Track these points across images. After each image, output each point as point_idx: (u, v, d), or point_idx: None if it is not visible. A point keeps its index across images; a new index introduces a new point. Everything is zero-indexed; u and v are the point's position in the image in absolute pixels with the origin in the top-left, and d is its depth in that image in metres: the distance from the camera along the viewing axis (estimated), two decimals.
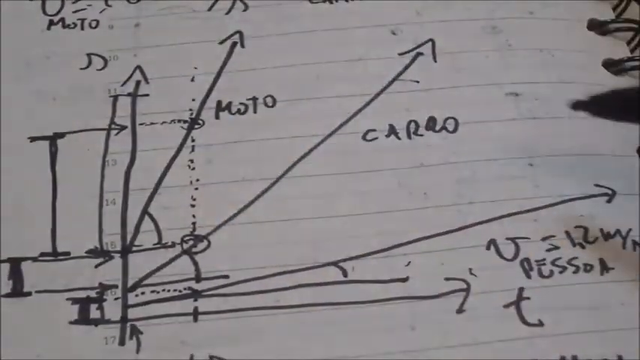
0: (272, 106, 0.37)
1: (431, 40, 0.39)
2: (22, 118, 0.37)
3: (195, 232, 0.34)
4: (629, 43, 0.40)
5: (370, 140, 0.36)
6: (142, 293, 0.33)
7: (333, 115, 0.37)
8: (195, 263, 0.34)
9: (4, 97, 0.38)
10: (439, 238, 0.34)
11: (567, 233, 0.34)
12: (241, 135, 0.37)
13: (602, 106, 0.33)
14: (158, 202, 0.35)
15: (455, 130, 0.37)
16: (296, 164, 0.36)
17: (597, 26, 0.40)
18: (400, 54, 0.39)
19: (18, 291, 0.33)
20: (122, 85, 0.38)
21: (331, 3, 0.40)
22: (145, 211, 0.35)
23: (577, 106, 0.33)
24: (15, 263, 0.34)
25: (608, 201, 0.35)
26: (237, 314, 0.32)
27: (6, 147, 0.36)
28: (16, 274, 0.33)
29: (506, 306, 0.33)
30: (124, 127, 0.37)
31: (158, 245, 0.34)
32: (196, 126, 0.37)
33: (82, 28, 0.40)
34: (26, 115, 0.37)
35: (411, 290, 0.33)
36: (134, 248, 0.34)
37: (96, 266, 0.34)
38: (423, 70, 0.38)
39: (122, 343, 0.32)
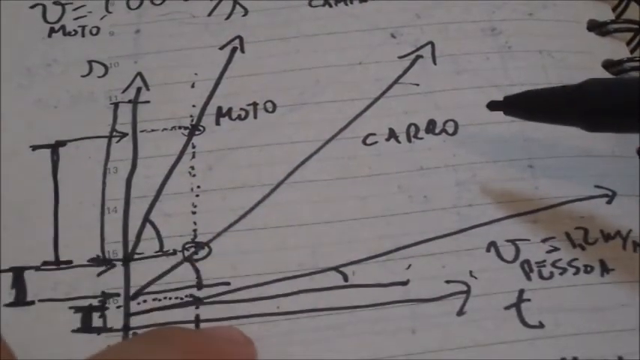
0: (272, 112, 0.37)
1: (430, 42, 0.39)
2: (24, 127, 0.37)
3: (197, 240, 0.34)
4: (628, 43, 0.40)
5: (370, 144, 0.36)
6: (144, 301, 0.33)
7: (333, 119, 0.37)
8: (197, 270, 0.34)
9: (5, 105, 0.38)
10: (439, 240, 0.34)
11: (567, 235, 0.34)
12: (242, 141, 0.37)
13: (514, 105, 0.34)
14: (159, 210, 0.35)
15: (454, 133, 0.37)
16: (297, 169, 0.36)
17: (597, 27, 0.40)
18: (400, 57, 0.39)
19: (21, 300, 0.33)
20: (123, 92, 0.38)
21: (331, 7, 0.40)
22: (146, 219, 0.35)
23: (492, 105, 0.34)
24: (17, 272, 0.34)
25: (609, 202, 0.35)
26: (238, 321, 0.33)
27: (7, 155, 0.36)
28: (18, 283, 0.34)
29: (507, 308, 0.33)
30: (125, 135, 0.37)
31: (159, 253, 0.34)
32: (197, 132, 0.37)
33: (83, 35, 0.40)
34: (27, 123, 0.37)
35: (411, 293, 0.33)
36: (136, 256, 0.34)
37: (98, 275, 0.34)
38: (422, 72, 0.38)
39: None
